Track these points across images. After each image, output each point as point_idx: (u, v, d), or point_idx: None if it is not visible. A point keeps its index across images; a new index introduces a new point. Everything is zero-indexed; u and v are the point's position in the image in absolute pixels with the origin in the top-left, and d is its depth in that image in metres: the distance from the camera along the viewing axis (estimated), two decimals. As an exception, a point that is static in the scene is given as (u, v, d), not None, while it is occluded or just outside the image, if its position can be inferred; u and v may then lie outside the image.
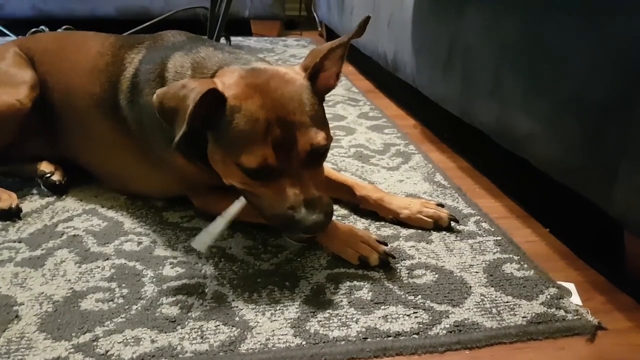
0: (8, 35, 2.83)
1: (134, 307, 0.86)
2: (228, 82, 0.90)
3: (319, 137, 0.87)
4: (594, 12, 0.94)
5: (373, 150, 1.55)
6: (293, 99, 0.88)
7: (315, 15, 3.70)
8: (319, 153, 0.89)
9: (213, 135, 0.91)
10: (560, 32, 1.02)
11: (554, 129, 1.05)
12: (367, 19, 0.93)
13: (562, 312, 0.86)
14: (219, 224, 0.96)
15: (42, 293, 0.89)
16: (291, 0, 3.99)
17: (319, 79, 0.95)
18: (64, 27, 2.52)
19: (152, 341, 0.78)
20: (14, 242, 1.04)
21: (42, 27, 2.60)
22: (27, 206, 1.18)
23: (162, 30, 1.21)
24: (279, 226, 0.90)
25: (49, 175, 1.25)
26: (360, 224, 1.13)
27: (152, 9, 3.19)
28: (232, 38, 3.08)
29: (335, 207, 1.20)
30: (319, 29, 3.73)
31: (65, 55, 1.27)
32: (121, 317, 0.83)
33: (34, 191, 1.25)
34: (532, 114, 1.11)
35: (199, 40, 1.13)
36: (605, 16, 0.91)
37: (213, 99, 0.86)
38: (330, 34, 3.37)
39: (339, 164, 1.44)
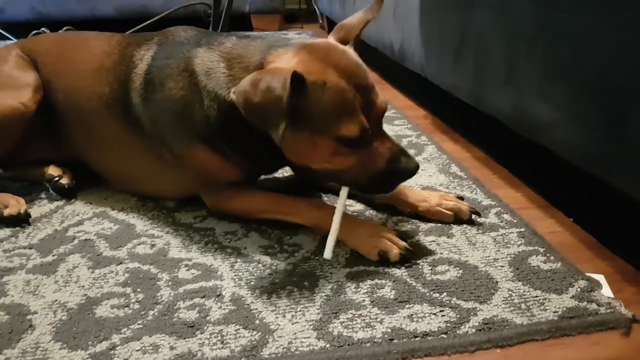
0: (9, 38, 2.80)
1: (151, 312, 0.83)
2: (293, 63, 0.90)
3: (386, 99, 0.95)
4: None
5: (384, 143, 1.51)
6: (358, 64, 0.93)
7: (315, 7, 3.66)
8: (384, 114, 0.96)
9: (291, 122, 0.86)
10: (576, 13, 0.98)
11: (574, 115, 1.02)
12: None
13: (594, 306, 0.82)
14: (335, 222, 0.95)
15: (56, 301, 0.87)
16: (291, -7, 3.95)
17: None
18: (65, 28, 2.50)
19: (171, 348, 0.76)
20: (25, 248, 1.02)
21: (43, 29, 2.57)
22: (36, 211, 1.15)
23: (162, 28, 1.18)
24: (375, 185, 0.94)
25: (57, 178, 1.22)
26: (377, 219, 1.10)
27: (152, 8, 3.16)
28: (244, 34, 3.04)
29: (351, 201, 1.17)
30: (320, 22, 3.69)
31: (69, 55, 1.25)
32: (138, 324, 0.81)
33: (43, 195, 1.23)
34: (550, 99, 1.08)
35: (214, 34, 1.12)
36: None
37: (292, 84, 0.85)
38: (332, 26, 3.32)
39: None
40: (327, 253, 0.92)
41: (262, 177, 1.22)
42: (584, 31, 0.96)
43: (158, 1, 3.22)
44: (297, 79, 0.85)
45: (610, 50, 0.90)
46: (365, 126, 0.89)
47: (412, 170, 0.92)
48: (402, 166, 0.92)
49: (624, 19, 0.87)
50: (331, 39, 0.99)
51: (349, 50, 0.96)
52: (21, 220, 1.10)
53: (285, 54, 0.93)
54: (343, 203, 0.96)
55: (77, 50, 1.25)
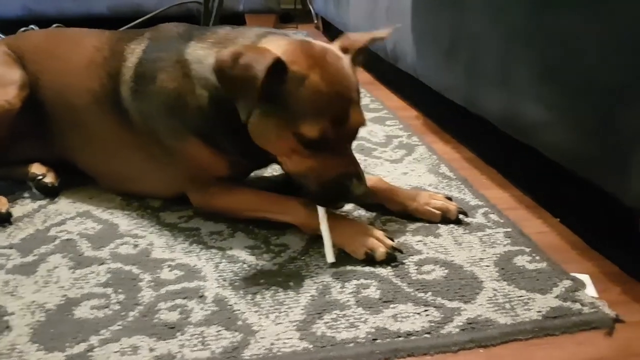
0: (-1, 36, 2.78)
1: (131, 313, 0.82)
2: (282, 51, 0.89)
3: (364, 118, 0.93)
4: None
5: (375, 143, 1.51)
6: (348, 75, 0.92)
7: (311, 7, 3.65)
8: (357, 132, 0.95)
9: (264, 103, 0.89)
10: (568, 15, 0.98)
11: (564, 116, 1.01)
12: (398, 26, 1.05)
13: (578, 306, 0.82)
14: (324, 230, 0.94)
15: (34, 301, 0.85)
16: (286, -7, 3.93)
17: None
18: (54, 25, 2.48)
19: (151, 349, 0.75)
20: (5, 248, 1.00)
21: (32, 26, 2.55)
22: (18, 210, 1.14)
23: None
24: (322, 195, 0.93)
25: (40, 177, 1.20)
26: (365, 219, 1.09)
27: (145, 6, 3.13)
28: (233, 28, 3.02)
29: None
30: (315, 22, 3.67)
31: (57, 52, 1.24)
32: (117, 325, 0.79)
33: (26, 194, 1.21)
34: (541, 101, 1.07)
35: (206, 27, 1.11)
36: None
37: (274, 69, 0.84)
38: (327, 27, 3.32)
39: (340, 158, 1.40)
40: (330, 257, 0.93)
41: (252, 175, 1.22)
42: (574, 33, 0.96)
43: (151, 0, 3.20)
44: (280, 66, 0.85)
45: (600, 52, 0.90)
46: (327, 133, 0.87)
47: (357, 194, 0.90)
48: (350, 186, 0.90)
49: (613, 21, 0.87)
50: (334, 45, 0.98)
51: (345, 59, 0.94)
52: (3, 220, 1.08)
53: (278, 42, 0.93)
54: (324, 212, 0.95)
55: (65, 47, 1.24)
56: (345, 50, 0.97)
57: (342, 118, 0.89)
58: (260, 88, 0.81)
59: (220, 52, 0.89)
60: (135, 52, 1.10)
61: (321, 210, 0.95)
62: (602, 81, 0.90)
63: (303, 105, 0.87)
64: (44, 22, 2.58)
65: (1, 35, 2.75)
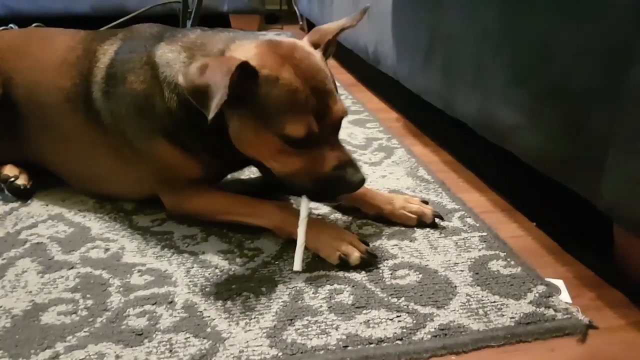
0: (-24, 34, 2.73)
1: (99, 319, 0.80)
2: (251, 55, 0.88)
3: (345, 107, 0.93)
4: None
5: (355, 145, 1.50)
6: (320, 68, 0.92)
7: (296, 8, 3.64)
8: (340, 122, 0.94)
9: (241, 112, 0.89)
10: (539, 20, 0.98)
11: (536, 119, 1.02)
12: (367, 7, 1.06)
13: (551, 312, 0.82)
14: (300, 234, 0.91)
15: (1, 307, 0.83)
16: (271, -7, 3.92)
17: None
18: (34, 24, 2.44)
19: (117, 357, 0.73)
20: (-27, 252, 0.98)
21: (11, 25, 2.51)
22: (-11, 213, 1.12)
23: (138, 27, 1.16)
24: (319, 191, 0.91)
25: (13, 179, 1.18)
26: (341, 223, 1.09)
27: (128, 5, 3.09)
28: (207, 30, 3.00)
29: (316, 204, 1.15)
30: (300, 23, 3.67)
31: (31, 50, 1.22)
32: (84, 331, 0.78)
33: (-2, 197, 1.19)
34: (514, 104, 1.07)
35: (178, 29, 1.10)
36: (587, 2, 0.87)
37: (242, 74, 0.84)
38: (312, 28, 3.30)
39: (319, 161, 1.39)
40: (297, 265, 0.90)
41: (229, 177, 1.20)
42: (548, 36, 0.96)
43: (135, -1, 3.16)
44: (249, 71, 0.85)
45: (571, 55, 0.90)
46: (312, 129, 0.87)
47: (356, 182, 0.89)
48: (347, 176, 0.89)
49: (585, 24, 0.87)
50: (304, 41, 0.98)
51: (316, 53, 0.94)
52: (-28, 223, 1.06)
53: (246, 46, 0.92)
54: (306, 214, 0.93)
55: (39, 45, 1.22)
56: (315, 44, 0.97)
57: (324, 111, 0.89)
58: (225, 93, 0.79)
59: (187, 68, 0.87)
60: (107, 52, 1.09)
61: (303, 212, 0.93)
62: (574, 85, 0.90)
63: (281, 106, 0.87)
64: (24, 20, 2.53)
65: (-22, 34, 2.71)
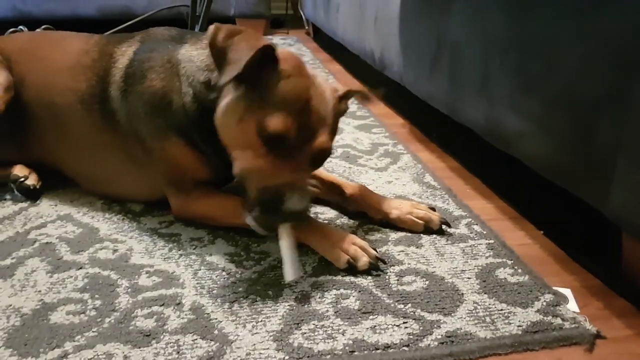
0: (-14, 35, 2.75)
1: (107, 320, 0.80)
2: (280, 50, 0.90)
3: (331, 145, 0.92)
4: (581, 4, 0.90)
5: (361, 151, 1.51)
6: (329, 101, 0.93)
7: (301, 13, 3.66)
8: (321, 159, 0.93)
9: (243, 88, 0.90)
10: (546, 27, 0.99)
11: (543, 126, 1.02)
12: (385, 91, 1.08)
13: (558, 320, 0.82)
14: (283, 249, 0.88)
15: (10, 305, 0.84)
16: (277, -2, 3.93)
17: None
18: (43, 27, 2.45)
19: (125, 357, 0.73)
20: (-18, 251, 0.98)
21: (21, 27, 2.53)
22: (-2, 212, 1.12)
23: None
24: (262, 202, 0.86)
25: (22, 179, 1.19)
26: (347, 227, 1.09)
27: (135, 9, 3.12)
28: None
29: (323, 208, 1.16)
30: (306, 28, 3.68)
31: (44, 53, 1.23)
32: (93, 331, 0.78)
33: (7, 196, 1.19)
34: (521, 111, 1.08)
35: (197, 33, 1.12)
36: (593, 8, 0.87)
37: (264, 57, 0.86)
38: (317, 32, 3.32)
39: (326, 165, 1.38)
40: (288, 276, 0.86)
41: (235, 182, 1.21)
42: (555, 43, 0.96)
43: (141, 2, 3.18)
44: (272, 57, 0.88)
45: (579, 63, 0.90)
46: (288, 132, 0.85)
47: (290, 210, 0.84)
48: (285, 199, 0.84)
49: (593, 31, 0.87)
50: (330, 80, 1.00)
51: (328, 90, 0.94)
52: (-19, 222, 1.07)
53: (280, 47, 0.93)
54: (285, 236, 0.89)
55: (53, 48, 1.24)
56: (335, 90, 0.98)
57: (310, 132, 0.88)
58: (246, 65, 0.81)
59: (221, 24, 0.89)
60: (126, 53, 1.10)
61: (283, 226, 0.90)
62: (582, 92, 0.90)
63: (278, 97, 0.87)
64: (32, 23, 2.55)
65: (-12, 35, 2.73)
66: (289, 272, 0.86)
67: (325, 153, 0.92)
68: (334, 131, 0.94)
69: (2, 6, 3.15)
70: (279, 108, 0.86)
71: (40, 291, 0.87)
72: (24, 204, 1.16)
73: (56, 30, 1.70)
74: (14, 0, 3.16)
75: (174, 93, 1.02)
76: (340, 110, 0.99)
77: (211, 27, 0.87)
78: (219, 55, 0.85)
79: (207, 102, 0.98)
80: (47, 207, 1.15)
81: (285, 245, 0.87)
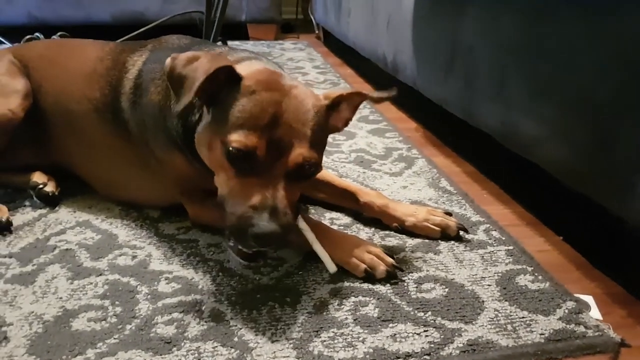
0: (3, 42, 2.78)
1: (128, 326, 0.81)
2: (249, 69, 0.88)
3: (312, 157, 0.84)
4: (598, 8, 0.89)
5: (375, 155, 1.51)
6: (308, 112, 0.85)
7: (312, 18, 3.66)
8: (304, 173, 0.85)
9: (211, 113, 0.88)
10: (564, 31, 0.98)
11: (562, 132, 1.01)
12: (394, 92, 0.96)
13: (581, 328, 0.81)
14: (313, 242, 0.93)
15: (32, 312, 0.84)
16: (288, 3, 3.95)
17: (331, 116, 0.93)
18: (58, 33, 2.48)
19: (147, 365, 0.74)
20: (4, 257, 0.99)
21: (37, 34, 2.56)
22: (18, 219, 1.13)
23: (158, 36, 1.18)
24: (232, 229, 0.81)
25: (41, 186, 1.20)
26: (363, 234, 1.09)
27: (148, 15, 3.15)
28: (229, 42, 3.03)
29: (338, 215, 1.16)
30: (316, 32, 3.68)
31: (62, 60, 1.24)
32: (114, 338, 0.78)
33: (26, 203, 1.20)
34: (539, 116, 1.07)
35: (207, 42, 1.10)
36: (611, 12, 0.87)
37: (226, 78, 0.84)
38: (328, 36, 3.32)
39: (339, 170, 1.39)
40: (331, 268, 0.91)
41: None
42: (572, 48, 0.96)
43: (154, 8, 3.21)
44: (233, 78, 0.85)
45: (598, 67, 0.90)
46: (252, 149, 0.80)
47: (262, 232, 0.76)
48: (255, 220, 0.77)
49: (613, 36, 0.87)
50: (313, 91, 0.92)
51: (308, 101, 0.87)
52: (3, 228, 1.08)
53: (255, 65, 0.93)
54: (305, 226, 0.93)
55: (70, 55, 1.25)
56: (325, 98, 0.91)
57: (283, 146, 0.81)
58: (199, 88, 0.80)
59: (178, 54, 0.88)
60: (136, 64, 1.11)
61: (302, 224, 0.93)
62: (601, 97, 0.89)
63: (241, 116, 0.82)
64: (48, 29, 2.59)
65: (7, 44, 2.76)
66: (330, 264, 0.90)
67: (304, 166, 0.83)
68: (319, 142, 0.87)
69: (17, 13, 3.19)
70: (240, 125, 0.81)
71: (61, 298, 0.88)
72: (43, 211, 1.17)
73: (71, 36, 1.72)
74: (30, 7, 3.20)
75: (168, 108, 1.01)
76: (327, 120, 0.91)
77: (168, 59, 0.86)
78: (177, 83, 0.84)
79: (188, 122, 0.96)
80: (66, 214, 1.16)
81: (314, 240, 0.90)
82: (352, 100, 0.94)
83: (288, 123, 0.83)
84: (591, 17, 0.91)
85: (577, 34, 0.94)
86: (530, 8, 1.08)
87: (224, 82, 0.85)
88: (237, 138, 0.80)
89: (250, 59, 0.98)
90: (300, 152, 0.82)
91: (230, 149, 0.81)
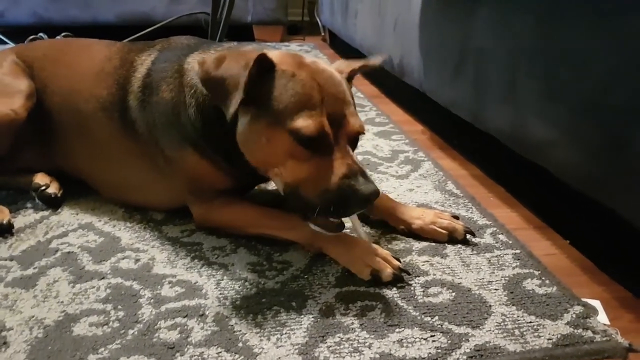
0: (7, 43, 2.79)
1: (130, 331, 0.80)
2: (274, 56, 0.89)
3: (363, 123, 0.90)
4: (612, 10, 0.88)
5: (381, 158, 1.49)
6: (339, 82, 0.91)
7: (318, 19, 3.66)
8: (357, 140, 0.91)
9: (253, 108, 0.88)
10: (576, 32, 0.97)
11: (572, 135, 1.00)
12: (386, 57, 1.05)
13: (589, 333, 0.79)
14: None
15: (33, 317, 0.83)
16: (294, 5, 3.94)
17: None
18: (62, 34, 2.48)
19: (149, 370, 0.73)
20: (5, 260, 0.99)
21: (41, 34, 2.56)
22: (20, 221, 1.13)
23: (164, 37, 1.18)
24: (326, 205, 0.84)
25: (44, 187, 1.19)
26: (370, 236, 1.07)
27: (154, 15, 3.15)
28: (238, 43, 3.03)
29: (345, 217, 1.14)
30: (322, 34, 3.68)
31: (68, 60, 1.24)
32: (116, 343, 0.77)
33: (29, 205, 1.20)
34: (549, 119, 1.06)
35: (214, 42, 1.11)
36: (624, 14, 0.85)
37: (259, 69, 0.85)
38: (334, 39, 3.32)
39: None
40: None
41: (256, 188, 1.20)
42: (585, 50, 0.94)
43: (160, 9, 3.21)
44: (267, 66, 0.87)
45: (611, 70, 0.88)
46: (324, 128, 0.84)
47: (366, 194, 0.82)
48: (356, 187, 0.82)
49: (625, 38, 0.85)
50: (329, 63, 0.98)
51: (336, 72, 0.93)
52: (4, 231, 1.07)
53: (272, 52, 0.93)
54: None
55: (77, 55, 1.25)
56: (339, 71, 0.96)
57: (339, 117, 0.87)
58: (243, 85, 0.81)
59: (203, 58, 0.89)
60: (145, 62, 1.11)
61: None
62: (613, 99, 0.88)
63: (296, 101, 0.85)
64: (52, 29, 2.59)
65: (11, 44, 2.77)
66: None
67: (361, 133, 0.90)
68: (354, 104, 0.93)
69: (23, 12, 3.20)
70: (300, 109, 0.84)
71: (62, 302, 0.87)
72: (45, 213, 1.17)
73: (75, 37, 1.71)
74: (35, 7, 3.21)
75: (181, 104, 1.02)
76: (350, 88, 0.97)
77: (195, 65, 0.87)
78: (216, 87, 0.85)
79: (210, 113, 0.97)
80: (68, 216, 1.16)
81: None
82: (358, 72, 1.04)
83: (333, 96, 0.87)
84: (603, 19, 0.89)
85: (590, 36, 0.93)
86: (541, 10, 1.07)
87: (257, 73, 0.85)
88: (304, 123, 0.84)
89: (263, 49, 0.98)
90: (354, 120, 0.88)
91: (303, 134, 0.84)
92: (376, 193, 0.84)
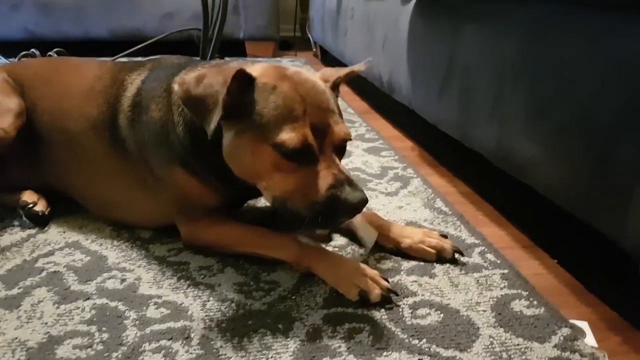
0: (-2, 58, 2.78)
1: (114, 354, 0.79)
2: (254, 69, 0.91)
3: (348, 130, 0.91)
4: (596, 28, 0.89)
5: (370, 174, 1.50)
6: (322, 91, 0.91)
7: (309, 36, 3.68)
8: (343, 147, 0.92)
9: (237, 123, 0.89)
10: (561, 51, 0.98)
11: (557, 153, 1.00)
12: (369, 60, 1.09)
13: (577, 356, 0.79)
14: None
15: (16, 338, 0.82)
16: (286, 21, 3.97)
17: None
18: (55, 50, 2.48)
19: (133, 395, 0.72)
20: (-10, 280, 0.97)
21: (33, 50, 2.56)
22: (6, 239, 1.11)
23: (155, 52, 1.18)
24: (314, 217, 0.85)
25: (31, 205, 1.18)
26: (358, 255, 1.07)
27: (146, 31, 3.16)
28: (227, 60, 3.04)
29: (334, 235, 1.14)
30: (314, 50, 3.71)
31: (58, 78, 1.24)
32: (99, 367, 0.76)
33: (15, 223, 1.19)
34: (534, 137, 1.06)
35: (205, 61, 1.11)
36: (608, 32, 0.86)
37: (239, 84, 0.86)
38: (325, 55, 3.34)
39: (335, 191, 1.38)
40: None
41: (245, 206, 1.19)
42: (569, 67, 0.95)
43: (152, 25, 3.23)
44: (247, 80, 0.87)
45: (595, 88, 0.89)
46: (308, 140, 0.85)
47: (354, 203, 0.83)
48: (343, 196, 0.83)
49: (609, 55, 0.86)
50: (313, 72, 0.99)
51: (319, 81, 0.94)
52: (-11, 250, 1.06)
53: (254, 66, 0.94)
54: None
55: (67, 74, 1.25)
56: (324, 80, 0.98)
57: (323, 127, 0.87)
58: (223, 102, 0.81)
59: (183, 77, 0.89)
60: (135, 82, 1.11)
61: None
62: (598, 118, 0.89)
63: (278, 114, 0.85)
64: (44, 44, 2.59)
65: (2, 59, 2.76)
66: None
67: (346, 140, 0.90)
68: (341, 116, 0.93)
69: (14, 28, 3.20)
70: (283, 122, 0.85)
71: (46, 323, 0.86)
72: (32, 231, 1.16)
73: (68, 52, 1.72)
74: (26, 23, 3.21)
75: (170, 123, 1.02)
76: (335, 96, 0.98)
77: (175, 85, 0.87)
78: (197, 105, 0.85)
79: (198, 131, 0.97)
80: (55, 234, 1.14)
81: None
82: (342, 81, 1.04)
83: (316, 105, 0.87)
84: (589, 37, 0.90)
85: (576, 54, 0.94)
86: (528, 28, 1.08)
87: (237, 88, 0.86)
88: (287, 136, 0.84)
89: (246, 62, 0.99)
90: (339, 127, 0.89)
91: (287, 148, 0.84)
92: (364, 200, 0.84)
